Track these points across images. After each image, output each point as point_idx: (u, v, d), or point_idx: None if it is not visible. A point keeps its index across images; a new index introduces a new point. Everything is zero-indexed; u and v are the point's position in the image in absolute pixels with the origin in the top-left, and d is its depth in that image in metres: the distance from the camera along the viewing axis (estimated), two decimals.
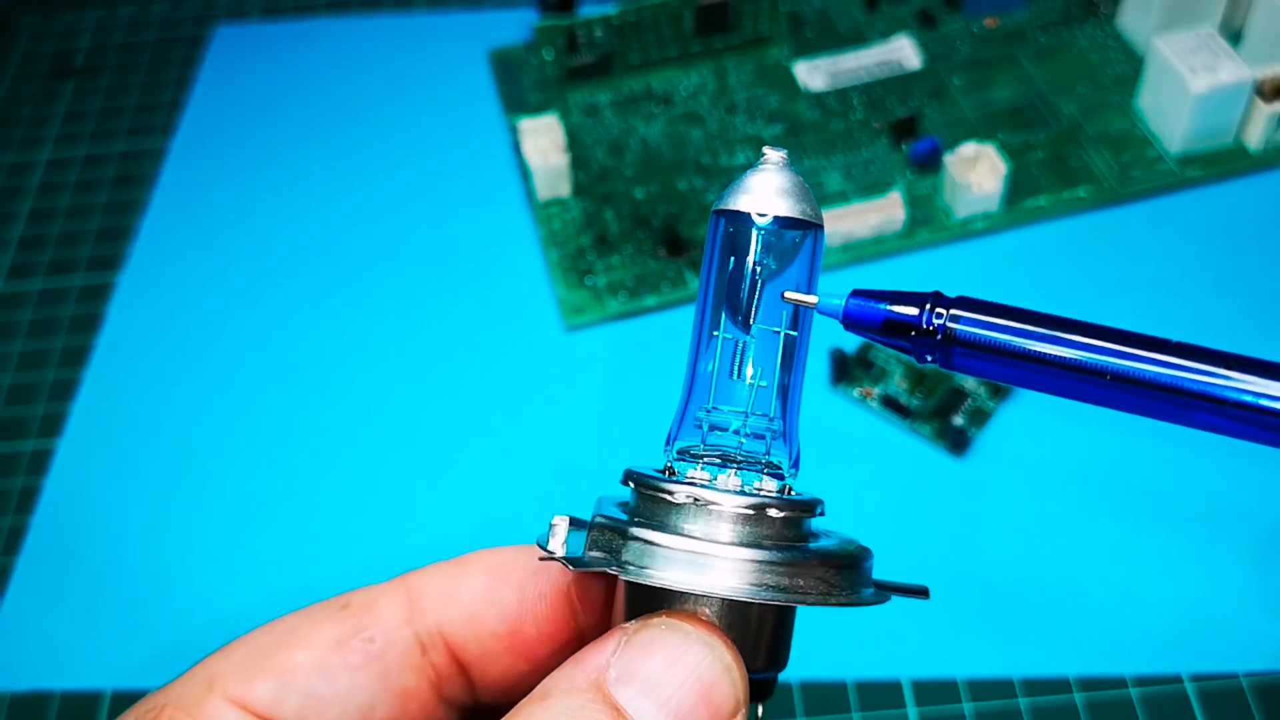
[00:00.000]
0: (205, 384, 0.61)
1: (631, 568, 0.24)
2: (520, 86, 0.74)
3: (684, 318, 0.61)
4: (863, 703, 0.47)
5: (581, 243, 0.64)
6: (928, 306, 0.23)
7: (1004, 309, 0.23)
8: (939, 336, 0.23)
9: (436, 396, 0.59)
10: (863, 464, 0.54)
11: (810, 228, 0.26)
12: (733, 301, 0.27)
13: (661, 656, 0.24)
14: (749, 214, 0.26)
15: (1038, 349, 0.22)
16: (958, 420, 0.54)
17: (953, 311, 0.23)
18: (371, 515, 0.55)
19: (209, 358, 0.62)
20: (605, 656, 0.24)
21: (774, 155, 0.26)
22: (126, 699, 0.50)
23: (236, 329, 0.63)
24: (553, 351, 0.60)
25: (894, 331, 0.24)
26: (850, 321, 0.24)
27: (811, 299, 0.25)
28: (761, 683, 0.26)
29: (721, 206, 0.26)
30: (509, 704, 0.31)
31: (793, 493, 0.27)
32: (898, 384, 0.56)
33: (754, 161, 0.27)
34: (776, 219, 0.26)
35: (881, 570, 0.27)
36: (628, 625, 0.25)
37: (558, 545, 0.25)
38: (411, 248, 0.66)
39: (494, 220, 0.67)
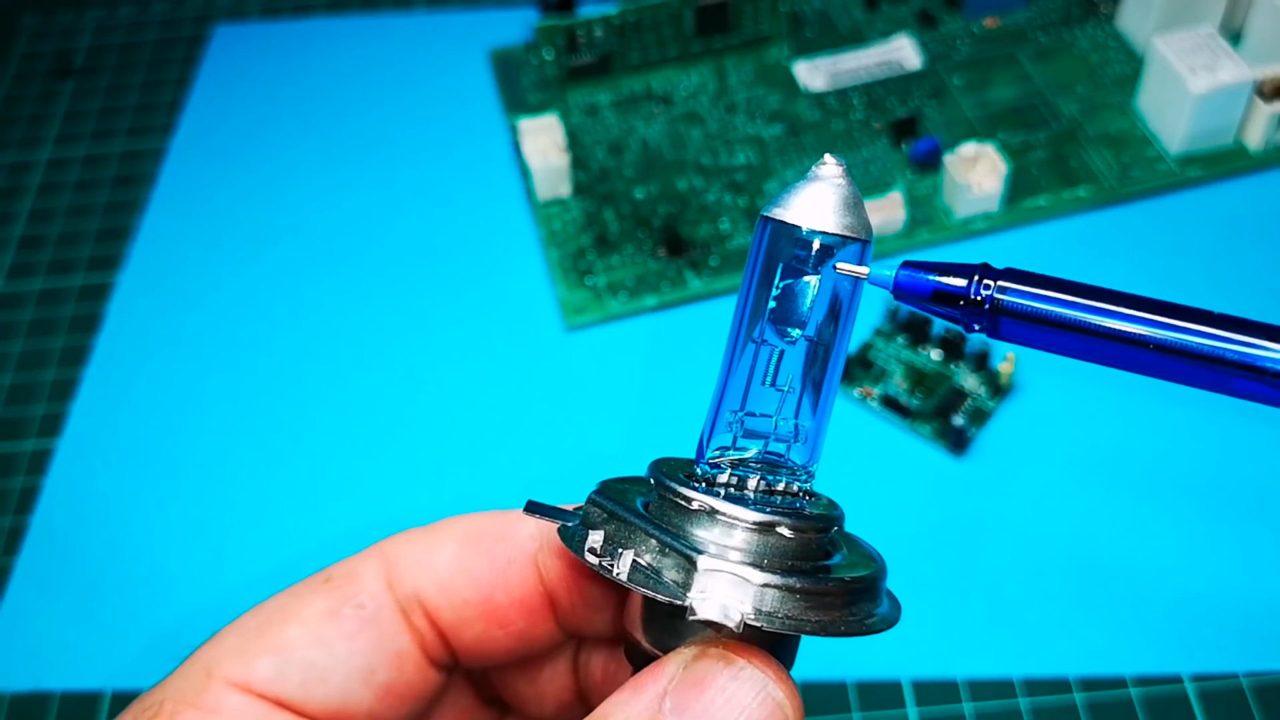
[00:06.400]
0: (205, 383, 0.61)
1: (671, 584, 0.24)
2: (520, 86, 0.74)
3: (684, 318, 0.61)
4: (863, 703, 0.47)
5: (581, 243, 0.64)
6: (976, 278, 0.24)
7: (1049, 280, 0.24)
8: (986, 306, 0.24)
9: (436, 396, 0.59)
10: (863, 464, 0.54)
11: (857, 243, 0.26)
12: (773, 308, 0.27)
13: (715, 692, 0.24)
14: (797, 224, 0.26)
15: (1081, 318, 0.23)
16: (958, 420, 0.54)
17: (1000, 283, 0.24)
18: (372, 515, 0.55)
19: (209, 357, 0.62)
20: (663, 684, 0.24)
21: (829, 165, 0.26)
22: (126, 699, 0.50)
23: (236, 329, 0.63)
24: (553, 351, 0.60)
25: (943, 301, 0.25)
26: (900, 291, 0.25)
27: (863, 270, 0.26)
28: None
29: (770, 214, 0.26)
30: (489, 667, 0.32)
31: (810, 497, 0.27)
32: (898, 384, 0.56)
33: (807, 168, 0.26)
34: (825, 231, 0.26)
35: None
36: (685, 649, 0.25)
37: (607, 560, 0.25)
38: (411, 248, 0.66)
39: (494, 220, 0.67)
